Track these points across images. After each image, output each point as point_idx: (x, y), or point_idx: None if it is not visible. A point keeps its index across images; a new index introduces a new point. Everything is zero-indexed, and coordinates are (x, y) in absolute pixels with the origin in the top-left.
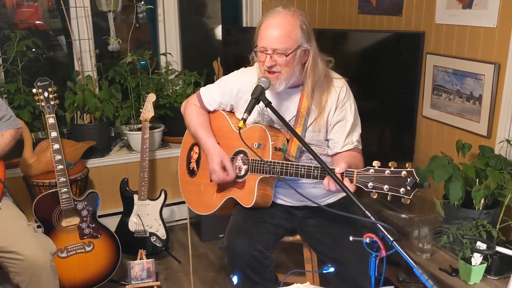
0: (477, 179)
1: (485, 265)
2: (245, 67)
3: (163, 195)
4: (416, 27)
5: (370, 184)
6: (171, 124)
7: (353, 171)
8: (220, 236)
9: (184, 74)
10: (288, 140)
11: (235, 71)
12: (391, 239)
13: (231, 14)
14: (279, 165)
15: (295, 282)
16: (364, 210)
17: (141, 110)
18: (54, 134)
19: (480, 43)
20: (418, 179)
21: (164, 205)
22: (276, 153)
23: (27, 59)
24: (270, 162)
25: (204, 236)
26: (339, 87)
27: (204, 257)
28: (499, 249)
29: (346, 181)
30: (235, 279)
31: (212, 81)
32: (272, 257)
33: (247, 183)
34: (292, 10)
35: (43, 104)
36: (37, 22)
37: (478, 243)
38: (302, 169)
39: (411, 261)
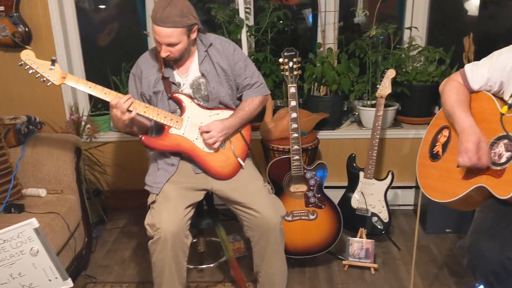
0: None
1: None
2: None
3: (390, 176)
4: None
5: None
6: (406, 103)
7: None
8: (447, 230)
9: (428, 50)
10: None
11: (511, 45)
12: None
13: None
14: None
15: None
16: None
17: (377, 86)
18: (293, 103)
19: None
20: None
21: (390, 187)
22: None
23: (276, 30)
24: None
25: (429, 227)
26: None
27: (426, 249)
28: None
29: None
30: None
31: (460, 60)
32: None
33: (507, 172)
34: None
35: (287, 73)
36: None
37: None
38: None
39: None
